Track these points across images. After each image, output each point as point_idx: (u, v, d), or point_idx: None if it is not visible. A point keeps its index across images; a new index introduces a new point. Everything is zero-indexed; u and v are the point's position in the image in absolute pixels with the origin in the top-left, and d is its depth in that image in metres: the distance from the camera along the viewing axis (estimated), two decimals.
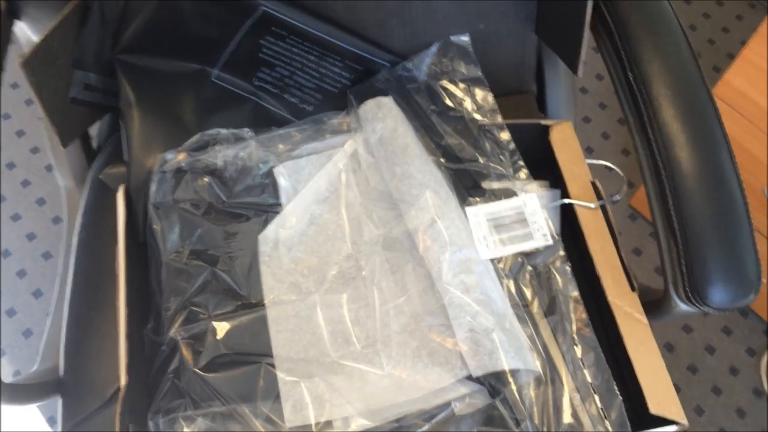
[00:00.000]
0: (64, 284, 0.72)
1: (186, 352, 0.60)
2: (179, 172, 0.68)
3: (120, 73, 0.69)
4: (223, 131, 0.70)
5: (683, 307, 0.60)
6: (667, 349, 1.23)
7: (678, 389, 1.20)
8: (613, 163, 1.51)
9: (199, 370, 0.59)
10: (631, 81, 0.63)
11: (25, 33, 0.74)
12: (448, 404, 0.58)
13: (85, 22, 0.67)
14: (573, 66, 0.73)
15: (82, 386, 0.66)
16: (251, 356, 0.61)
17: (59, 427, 0.65)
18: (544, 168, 0.70)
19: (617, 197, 0.67)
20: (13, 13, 0.70)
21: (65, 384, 0.66)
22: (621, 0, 0.65)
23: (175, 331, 0.61)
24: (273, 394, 0.59)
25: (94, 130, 0.82)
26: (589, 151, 1.41)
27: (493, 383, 0.58)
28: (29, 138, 1.39)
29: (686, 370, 1.22)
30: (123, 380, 0.56)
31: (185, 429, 0.57)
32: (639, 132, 0.63)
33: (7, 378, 0.63)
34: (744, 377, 1.21)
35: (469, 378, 0.59)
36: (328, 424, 0.58)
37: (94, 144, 0.83)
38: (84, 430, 0.64)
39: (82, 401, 0.65)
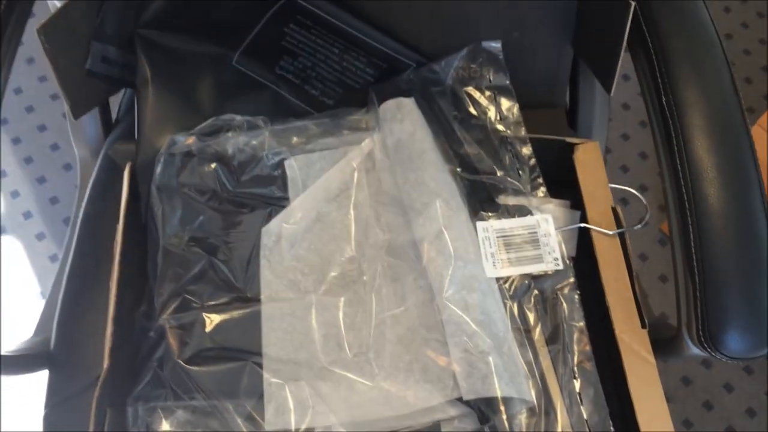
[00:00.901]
0: (67, 256, 0.71)
1: (172, 341, 0.59)
2: (187, 155, 0.66)
3: (139, 49, 0.68)
4: (238, 118, 0.68)
5: (695, 350, 0.56)
6: (684, 382, 1.19)
7: (690, 425, 1.16)
8: (648, 185, 1.45)
9: (183, 361, 0.58)
10: (665, 106, 0.59)
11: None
12: (435, 425, 0.56)
13: None
14: (607, 84, 0.69)
15: (71, 363, 0.66)
16: (238, 352, 0.59)
17: (43, 401, 0.64)
18: (567, 187, 0.67)
19: (638, 226, 0.64)
20: None
21: (54, 358, 0.66)
22: (663, 20, 0.62)
23: (164, 318, 0.60)
24: (256, 393, 0.58)
25: (114, 103, 0.81)
26: (624, 170, 1.36)
27: (484, 409, 0.55)
28: (63, 102, 1.40)
29: (701, 407, 1.17)
30: (105, 363, 0.55)
31: (163, 420, 0.56)
32: (667, 160, 0.59)
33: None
34: (761, 420, 1.16)
35: (460, 400, 0.56)
36: (310, 431, 0.56)
37: (113, 117, 0.83)
38: (68, 410, 0.64)
39: (69, 378, 0.65)
